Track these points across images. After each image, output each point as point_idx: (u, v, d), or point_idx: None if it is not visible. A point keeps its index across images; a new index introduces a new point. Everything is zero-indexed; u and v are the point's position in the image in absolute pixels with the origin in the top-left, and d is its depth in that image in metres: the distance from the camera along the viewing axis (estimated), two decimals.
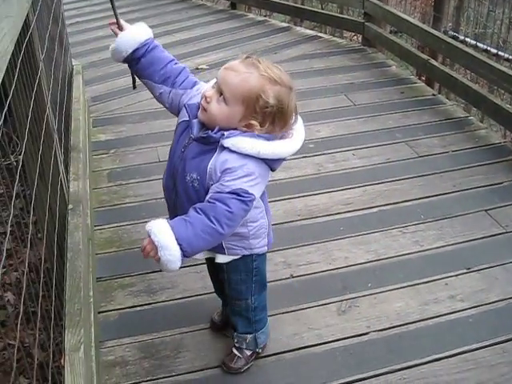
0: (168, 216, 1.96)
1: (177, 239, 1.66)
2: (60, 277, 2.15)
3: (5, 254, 1.42)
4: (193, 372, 2.23)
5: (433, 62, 4.60)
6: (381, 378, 2.17)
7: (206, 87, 1.86)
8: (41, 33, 2.53)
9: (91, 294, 2.33)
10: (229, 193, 1.70)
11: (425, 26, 4.83)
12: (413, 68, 5.50)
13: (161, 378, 2.21)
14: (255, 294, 2.11)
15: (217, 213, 1.69)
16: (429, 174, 3.41)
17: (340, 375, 2.19)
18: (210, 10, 7.14)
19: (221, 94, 1.71)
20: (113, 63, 5.33)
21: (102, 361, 2.28)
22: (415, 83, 4.72)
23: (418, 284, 2.59)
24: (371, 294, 2.55)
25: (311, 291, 2.57)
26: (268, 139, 1.73)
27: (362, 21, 5.58)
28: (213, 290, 2.43)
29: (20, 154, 1.87)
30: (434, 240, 2.86)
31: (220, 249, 1.93)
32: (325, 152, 3.67)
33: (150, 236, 1.69)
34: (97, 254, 2.84)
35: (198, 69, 4.95)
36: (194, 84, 1.94)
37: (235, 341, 2.23)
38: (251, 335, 2.20)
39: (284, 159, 1.83)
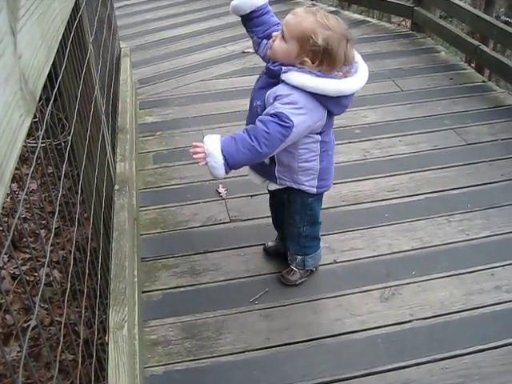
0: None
1: (221, 150, 1.99)
2: (105, 256, 2.19)
3: (53, 232, 1.44)
4: (234, 354, 2.25)
5: (483, 47, 4.48)
6: (422, 367, 2.15)
7: None
8: (90, 15, 2.56)
9: (135, 273, 2.36)
10: (272, 115, 2.00)
11: (476, 11, 4.71)
12: (462, 54, 5.38)
13: (202, 359, 2.23)
14: (307, 225, 2.42)
15: (256, 133, 2.00)
16: (477, 162, 3.34)
17: (381, 362, 2.18)
18: None
19: (283, 33, 2.01)
20: (159, 46, 5.39)
21: (144, 339, 2.31)
22: (465, 69, 4.62)
23: (463, 273, 2.55)
24: (415, 282, 2.52)
25: (354, 277, 2.56)
26: (318, 76, 1.98)
27: (412, 5, 5.48)
28: (256, 273, 2.50)
29: (68, 135, 1.90)
30: (481, 229, 2.81)
31: (273, 178, 2.29)
32: (371, 138, 3.63)
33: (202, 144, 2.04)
34: (141, 235, 2.87)
35: (244, 52, 4.94)
36: None
37: (289, 258, 2.56)
38: (300, 257, 2.50)
39: (344, 106, 2.09)
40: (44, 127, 1.40)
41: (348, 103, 2.11)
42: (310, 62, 1.98)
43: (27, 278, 3.07)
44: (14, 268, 3.12)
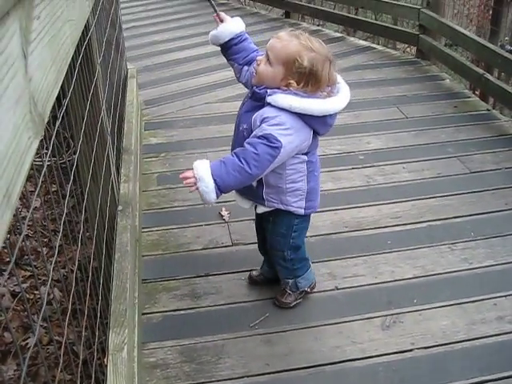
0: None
1: (212, 174, 2.02)
2: (106, 276, 2.18)
3: (57, 250, 1.44)
4: (233, 379, 2.23)
5: (488, 76, 4.50)
6: None
7: None
8: (99, 36, 2.58)
9: (136, 295, 2.36)
10: (260, 137, 2.03)
11: (481, 40, 4.74)
12: (467, 82, 5.41)
13: (201, 383, 2.21)
14: (290, 249, 2.41)
15: (245, 155, 2.03)
16: (480, 191, 3.34)
17: None
18: (264, 19, 7.17)
19: (268, 57, 2.06)
20: (166, 68, 5.42)
21: (143, 362, 2.29)
22: (469, 97, 4.64)
23: (465, 303, 2.54)
24: (417, 311, 2.51)
25: (356, 304, 2.55)
26: (303, 97, 2.04)
27: (417, 33, 5.52)
28: (256, 298, 2.50)
29: (73, 154, 1.91)
30: (484, 258, 2.80)
31: (261, 200, 2.29)
32: (374, 164, 3.63)
33: (192, 170, 2.06)
34: (143, 256, 2.87)
35: None
36: None
37: (281, 283, 2.54)
38: (292, 280, 2.50)
39: (329, 125, 2.14)
40: (50, 148, 1.40)
41: (332, 122, 2.16)
42: (295, 83, 2.04)
43: (27, 295, 3.06)
44: (14, 285, 3.11)
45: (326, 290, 2.62)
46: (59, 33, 1.29)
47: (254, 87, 2.14)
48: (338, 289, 2.64)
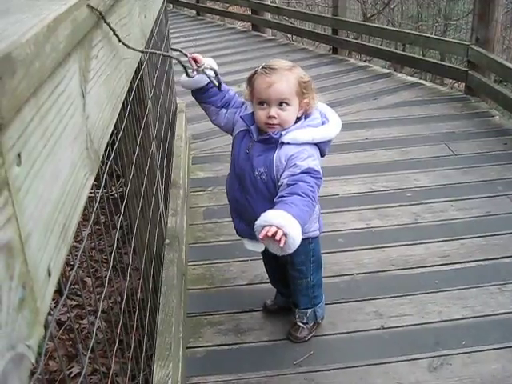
0: (231, 219, 2.44)
1: (293, 217, 1.87)
2: (152, 309, 2.19)
3: (107, 282, 1.46)
4: None
5: None
6: None
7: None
8: (150, 72, 2.64)
9: (181, 329, 2.36)
10: (301, 173, 2.05)
11: None
12: None
13: None
14: (313, 272, 2.43)
15: (303, 189, 2.01)
16: None
17: None
18: (312, 54, 7.24)
19: (280, 103, 2.08)
20: None
21: None
22: None
23: None
24: (465, 353, 2.43)
25: (402, 344, 2.49)
26: (315, 127, 2.13)
27: (466, 69, 5.48)
28: None
29: (121, 187, 1.94)
30: None
31: None
32: (422, 202, 3.59)
33: (268, 225, 1.84)
34: (188, 290, 2.88)
35: None
36: (243, 103, 2.34)
37: (297, 316, 2.52)
38: (311, 309, 2.50)
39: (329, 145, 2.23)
40: (103, 182, 1.43)
41: None
42: (310, 99, 2.13)
43: (71, 325, 3.09)
44: (61, 314, 3.15)
45: (372, 329, 2.58)
46: (115, 71, 1.32)
47: (265, 135, 2.13)
48: (383, 328, 2.59)
